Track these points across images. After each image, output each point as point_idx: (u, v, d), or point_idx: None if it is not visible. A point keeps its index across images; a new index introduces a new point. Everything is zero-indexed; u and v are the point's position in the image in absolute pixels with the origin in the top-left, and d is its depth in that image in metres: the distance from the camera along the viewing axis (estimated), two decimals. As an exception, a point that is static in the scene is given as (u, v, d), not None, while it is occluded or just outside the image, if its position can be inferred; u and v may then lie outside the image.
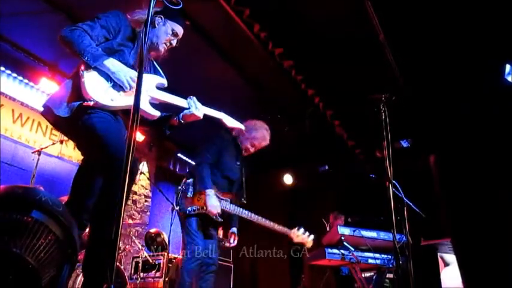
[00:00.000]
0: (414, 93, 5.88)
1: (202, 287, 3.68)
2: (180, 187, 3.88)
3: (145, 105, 2.53)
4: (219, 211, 3.76)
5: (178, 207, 3.81)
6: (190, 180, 3.90)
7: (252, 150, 4.17)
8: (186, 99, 2.75)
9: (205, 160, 3.89)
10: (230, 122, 3.13)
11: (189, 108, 2.73)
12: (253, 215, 3.92)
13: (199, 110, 2.75)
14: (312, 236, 4.16)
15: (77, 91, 2.36)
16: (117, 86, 2.45)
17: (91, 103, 2.32)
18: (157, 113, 2.61)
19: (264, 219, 3.94)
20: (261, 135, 4.12)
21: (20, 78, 5.93)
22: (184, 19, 2.89)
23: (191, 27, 4.97)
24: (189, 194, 3.82)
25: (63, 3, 4.84)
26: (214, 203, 3.72)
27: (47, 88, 5.82)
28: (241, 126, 3.24)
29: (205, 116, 2.86)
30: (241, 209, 3.92)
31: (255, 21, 4.95)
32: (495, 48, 5.11)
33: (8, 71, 5.81)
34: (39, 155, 5.06)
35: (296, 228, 4.11)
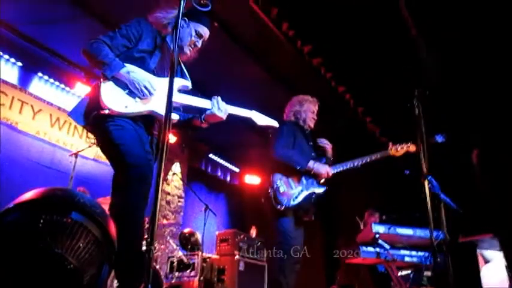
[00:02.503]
0: (448, 88, 5.73)
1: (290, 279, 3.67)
2: (272, 187, 3.73)
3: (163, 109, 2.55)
4: (331, 172, 3.82)
5: (280, 206, 3.66)
6: (280, 178, 3.77)
7: (314, 121, 4.13)
8: (211, 99, 2.72)
9: (283, 146, 3.81)
10: (261, 119, 2.99)
11: (211, 108, 2.70)
12: (351, 162, 3.97)
13: (221, 110, 2.70)
14: (409, 143, 4.13)
15: (95, 101, 2.45)
16: (134, 93, 2.51)
17: (106, 111, 2.40)
18: (175, 117, 2.66)
19: (362, 158, 3.98)
20: (310, 101, 4.14)
21: (57, 83, 6.13)
22: (210, 20, 2.89)
23: (220, 27, 5.01)
24: (282, 189, 3.72)
25: (98, 9, 4.97)
26: (322, 165, 3.81)
27: (82, 92, 5.98)
28: (275, 123, 3.07)
29: (234, 115, 2.81)
30: (342, 164, 3.95)
31: (283, 20, 4.94)
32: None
33: (46, 77, 6.01)
34: (76, 157, 5.19)
35: (390, 146, 4.10)
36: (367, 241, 4.34)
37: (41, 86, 5.99)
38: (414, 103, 3.29)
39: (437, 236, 3.41)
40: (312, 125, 4.14)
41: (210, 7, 2.30)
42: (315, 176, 3.83)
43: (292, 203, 3.69)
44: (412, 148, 4.10)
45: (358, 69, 5.86)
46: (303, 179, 3.81)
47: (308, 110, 4.09)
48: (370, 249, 4.19)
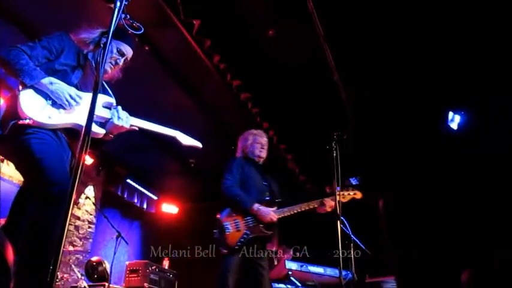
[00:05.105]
0: (366, 133, 6.09)
1: None
2: (218, 229, 3.64)
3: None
4: (275, 218, 3.65)
5: (225, 250, 3.54)
6: (227, 217, 3.68)
7: (264, 151, 4.13)
8: (110, 109, 2.61)
9: (232, 181, 3.74)
10: (186, 140, 2.93)
11: (111, 118, 2.58)
12: (296, 206, 3.77)
13: (122, 119, 2.57)
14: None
15: (12, 110, 2.30)
16: (57, 104, 2.39)
17: (26, 121, 2.25)
18: (102, 131, 2.56)
19: (303, 203, 3.78)
20: (255, 133, 4.18)
21: (-36, 91, 5.64)
22: (132, 38, 2.88)
23: (151, 52, 4.95)
24: (229, 230, 3.60)
25: (18, 17, 4.70)
26: (267, 211, 3.63)
27: (-8, 103, 5.56)
28: (199, 145, 2.98)
29: (158, 135, 2.78)
30: (286, 208, 3.77)
31: (215, 52, 5.00)
32: (440, 95, 5.42)
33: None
34: (-24, 173, 4.77)
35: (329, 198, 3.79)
36: (279, 278, 4.38)
37: None
38: (332, 145, 3.45)
39: (346, 275, 3.53)
40: (263, 155, 4.13)
41: (142, 30, 2.28)
42: (260, 219, 3.66)
43: (236, 247, 3.54)
44: (358, 195, 3.85)
45: (283, 107, 6.05)
46: (249, 221, 3.66)
47: (254, 142, 4.12)
48: (282, 286, 4.23)
